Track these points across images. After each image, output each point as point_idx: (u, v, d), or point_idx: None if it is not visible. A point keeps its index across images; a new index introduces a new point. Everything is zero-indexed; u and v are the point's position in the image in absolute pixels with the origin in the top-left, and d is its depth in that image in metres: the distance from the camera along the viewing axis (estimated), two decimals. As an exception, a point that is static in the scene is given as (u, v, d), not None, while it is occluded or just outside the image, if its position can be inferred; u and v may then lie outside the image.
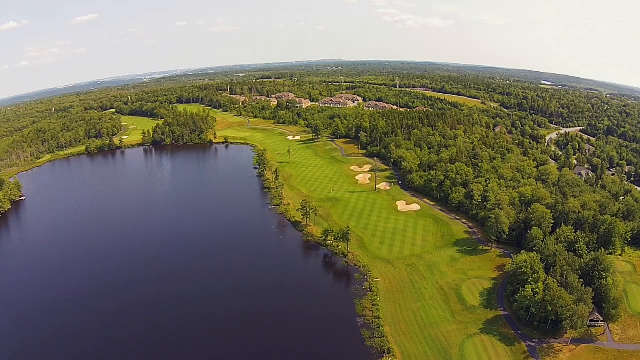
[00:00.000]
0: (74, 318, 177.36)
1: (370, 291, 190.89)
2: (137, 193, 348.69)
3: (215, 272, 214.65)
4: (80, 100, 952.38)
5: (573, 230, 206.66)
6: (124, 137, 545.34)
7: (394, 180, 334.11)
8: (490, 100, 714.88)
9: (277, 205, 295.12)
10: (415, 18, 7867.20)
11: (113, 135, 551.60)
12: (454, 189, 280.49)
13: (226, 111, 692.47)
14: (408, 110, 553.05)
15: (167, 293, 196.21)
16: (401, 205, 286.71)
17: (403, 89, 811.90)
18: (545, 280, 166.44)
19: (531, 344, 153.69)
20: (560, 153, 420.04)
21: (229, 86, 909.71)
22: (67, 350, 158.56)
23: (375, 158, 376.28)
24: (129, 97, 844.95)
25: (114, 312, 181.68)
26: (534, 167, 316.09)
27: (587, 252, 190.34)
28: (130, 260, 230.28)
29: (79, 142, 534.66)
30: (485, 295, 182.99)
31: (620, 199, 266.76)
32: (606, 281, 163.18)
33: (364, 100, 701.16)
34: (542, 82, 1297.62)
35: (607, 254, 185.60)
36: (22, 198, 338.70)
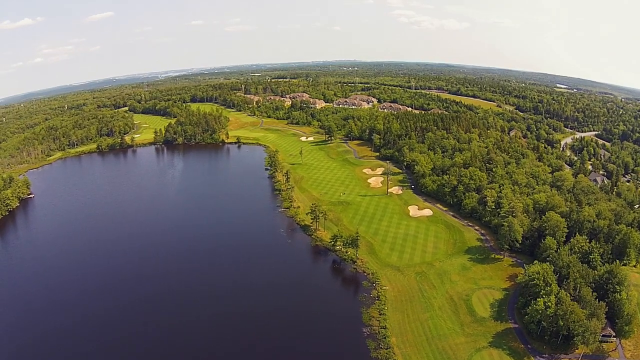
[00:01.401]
0: (81, 317, 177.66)
1: (378, 299, 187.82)
2: (147, 192, 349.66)
3: (223, 273, 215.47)
4: (93, 98, 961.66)
5: (587, 240, 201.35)
6: (135, 136, 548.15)
7: (406, 184, 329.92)
8: (506, 103, 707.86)
9: (287, 207, 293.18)
10: (431, 19, 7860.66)
11: (125, 134, 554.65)
12: (467, 194, 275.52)
13: (239, 111, 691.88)
14: (422, 112, 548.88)
15: (175, 291, 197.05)
16: (413, 210, 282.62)
17: (418, 91, 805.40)
18: (557, 294, 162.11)
19: (541, 359, 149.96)
20: (576, 158, 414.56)
21: (243, 85, 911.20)
22: (75, 348, 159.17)
23: (388, 161, 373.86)
24: (143, 95, 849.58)
25: (122, 310, 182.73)
26: (549, 173, 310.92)
27: (601, 263, 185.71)
28: (138, 259, 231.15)
29: (91, 140, 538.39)
30: (495, 307, 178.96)
31: (636, 207, 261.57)
32: (620, 295, 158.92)
33: (379, 101, 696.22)
34: (558, 85, 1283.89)
35: (621, 265, 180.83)
36: (30, 196, 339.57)
